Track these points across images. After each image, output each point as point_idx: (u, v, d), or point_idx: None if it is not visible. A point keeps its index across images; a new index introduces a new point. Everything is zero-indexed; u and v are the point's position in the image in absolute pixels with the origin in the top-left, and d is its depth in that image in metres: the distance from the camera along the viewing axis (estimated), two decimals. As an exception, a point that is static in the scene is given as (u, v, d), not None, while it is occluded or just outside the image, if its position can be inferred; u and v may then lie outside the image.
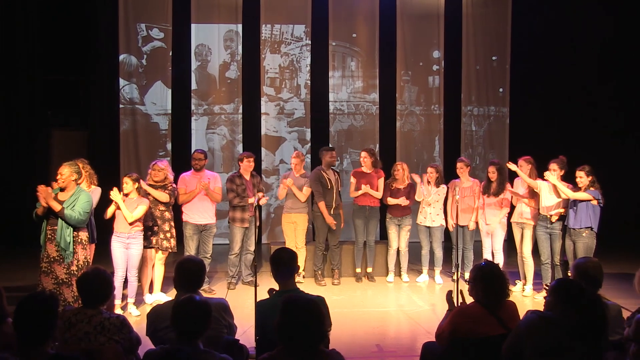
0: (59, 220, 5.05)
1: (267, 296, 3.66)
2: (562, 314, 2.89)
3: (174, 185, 6.45)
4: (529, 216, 6.64)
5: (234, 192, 6.85)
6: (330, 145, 8.82)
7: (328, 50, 9.90)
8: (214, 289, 6.83)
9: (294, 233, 7.15)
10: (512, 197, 6.84)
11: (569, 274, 4.74)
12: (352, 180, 7.29)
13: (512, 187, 6.85)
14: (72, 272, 5.05)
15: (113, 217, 5.78)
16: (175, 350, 2.75)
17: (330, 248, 7.30)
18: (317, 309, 2.56)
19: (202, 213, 6.65)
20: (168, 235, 6.25)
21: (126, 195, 5.79)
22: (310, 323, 2.50)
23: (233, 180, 6.91)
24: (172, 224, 6.34)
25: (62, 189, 5.16)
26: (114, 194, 5.69)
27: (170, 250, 6.33)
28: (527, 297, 6.62)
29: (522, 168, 6.63)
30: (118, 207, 5.70)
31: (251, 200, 6.80)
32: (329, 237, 7.26)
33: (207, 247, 6.71)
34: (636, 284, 3.70)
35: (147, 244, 6.12)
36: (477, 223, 7.02)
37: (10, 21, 9.25)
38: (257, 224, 6.61)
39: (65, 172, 5.13)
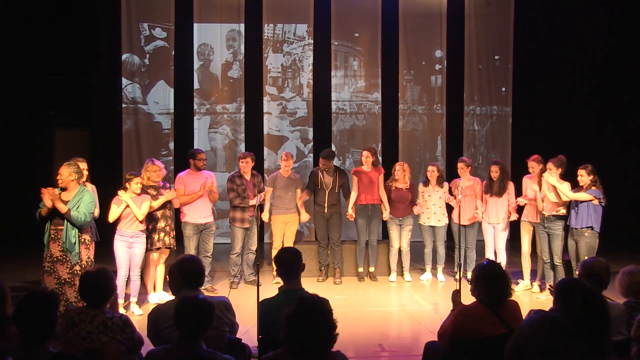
0: (65, 221, 5.06)
1: (270, 294, 3.66)
2: (565, 314, 2.89)
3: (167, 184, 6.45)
4: (536, 215, 6.63)
5: (235, 191, 6.85)
6: (332, 146, 8.82)
7: (330, 49, 9.89)
8: (216, 288, 6.84)
9: (282, 233, 7.17)
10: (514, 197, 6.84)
11: (576, 273, 4.73)
12: (354, 178, 7.28)
13: (513, 186, 6.87)
14: (75, 272, 5.07)
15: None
16: (178, 350, 2.75)
17: (331, 246, 7.30)
18: (329, 312, 2.55)
19: (201, 212, 6.64)
20: (168, 229, 6.27)
21: (138, 194, 5.82)
22: (323, 325, 2.48)
23: (233, 180, 6.90)
24: (170, 221, 6.36)
25: (63, 189, 5.17)
26: (124, 195, 5.70)
27: (172, 247, 6.35)
28: (527, 297, 6.62)
29: (533, 169, 6.60)
30: (127, 207, 5.73)
31: (252, 202, 6.79)
32: (330, 233, 7.26)
33: (208, 246, 6.71)
34: (617, 284, 3.76)
35: (151, 247, 6.12)
36: (478, 221, 7.04)
37: (11, 21, 9.27)
38: (258, 223, 6.61)
39: (64, 172, 5.14)
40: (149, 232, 6.09)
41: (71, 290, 5.05)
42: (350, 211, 7.19)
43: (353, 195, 7.21)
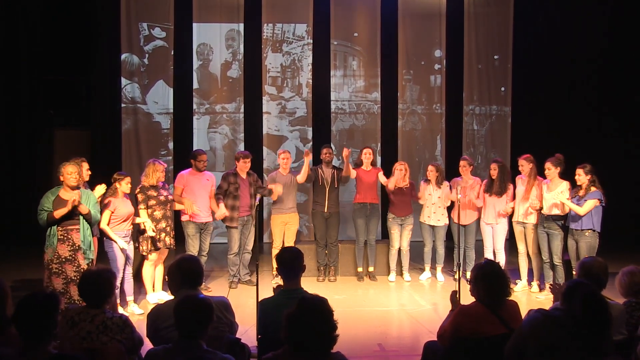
0: (80, 221, 5.10)
1: (270, 294, 3.66)
2: (565, 313, 2.89)
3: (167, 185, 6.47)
4: (530, 216, 6.62)
5: (221, 189, 6.83)
6: (331, 144, 8.80)
7: (330, 49, 9.89)
8: (209, 287, 6.90)
9: (282, 234, 7.18)
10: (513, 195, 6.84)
11: (574, 273, 4.73)
12: (354, 172, 7.26)
13: (512, 188, 6.87)
14: (82, 270, 5.06)
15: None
16: (177, 350, 2.75)
17: (328, 245, 7.32)
18: (330, 312, 2.55)
19: (203, 212, 6.66)
20: (169, 229, 6.26)
21: (127, 195, 5.83)
22: (323, 326, 2.48)
23: (226, 178, 6.89)
24: (170, 221, 6.35)
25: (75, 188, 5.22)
26: (141, 218, 5.89)
27: (172, 248, 6.35)
28: (526, 297, 6.62)
29: (522, 167, 6.61)
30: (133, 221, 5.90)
31: (220, 209, 6.74)
32: (327, 233, 7.27)
33: (205, 245, 6.73)
34: (617, 284, 3.77)
35: (152, 247, 6.13)
36: (479, 219, 7.05)
37: (11, 21, 9.26)
38: (256, 222, 6.61)
39: (74, 170, 5.20)
40: (153, 236, 6.11)
41: (76, 288, 5.03)
42: (346, 152, 7.05)
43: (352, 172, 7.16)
